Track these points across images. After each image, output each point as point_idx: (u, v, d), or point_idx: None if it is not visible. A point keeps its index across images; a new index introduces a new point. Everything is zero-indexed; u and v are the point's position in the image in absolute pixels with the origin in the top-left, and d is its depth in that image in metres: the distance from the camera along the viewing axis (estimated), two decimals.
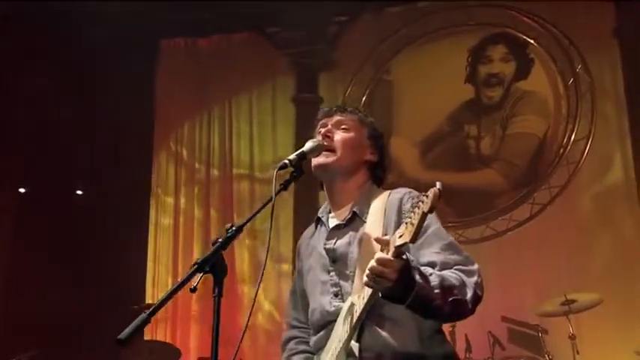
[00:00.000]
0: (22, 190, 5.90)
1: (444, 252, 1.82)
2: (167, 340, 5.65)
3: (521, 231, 5.52)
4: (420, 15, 6.28)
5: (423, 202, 1.59)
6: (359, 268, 1.88)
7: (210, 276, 1.62)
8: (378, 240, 1.70)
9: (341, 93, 6.37)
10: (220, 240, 1.65)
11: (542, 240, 5.36)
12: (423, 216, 1.57)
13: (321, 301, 1.98)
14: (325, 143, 2.03)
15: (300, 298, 2.17)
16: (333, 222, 2.07)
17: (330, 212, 2.11)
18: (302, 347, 2.10)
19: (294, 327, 2.18)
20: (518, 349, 4.75)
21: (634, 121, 5.43)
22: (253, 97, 6.66)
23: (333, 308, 1.92)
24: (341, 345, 1.80)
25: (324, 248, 2.02)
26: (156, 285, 6.32)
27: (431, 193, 1.57)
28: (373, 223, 1.94)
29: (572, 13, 5.67)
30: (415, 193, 1.98)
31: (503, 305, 4.92)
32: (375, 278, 1.64)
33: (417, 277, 1.68)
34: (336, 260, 1.98)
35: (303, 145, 2.00)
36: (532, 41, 5.87)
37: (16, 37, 5.69)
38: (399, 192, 2.00)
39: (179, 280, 1.55)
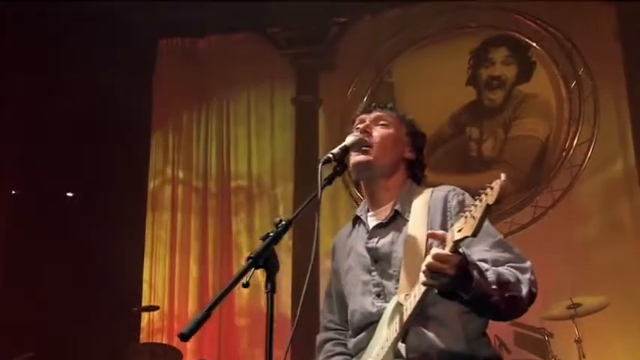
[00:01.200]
0: (16, 191, 5.79)
1: (494, 249, 1.79)
2: (164, 342, 5.57)
3: (523, 234, 5.48)
4: (420, 17, 6.25)
5: (486, 194, 1.54)
6: (404, 268, 1.85)
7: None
8: (433, 235, 1.67)
9: (341, 94, 6.31)
10: (272, 234, 1.61)
11: (544, 243, 5.31)
12: (487, 208, 1.52)
13: (363, 302, 1.93)
14: (366, 139, 1.99)
15: (336, 299, 2.12)
16: (372, 221, 2.03)
17: (368, 211, 2.07)
18: (339, 349, 2.06)
19: (329, 329, 2.13)
20: (524, 353, 4.71)
21: (636, 125, 5.42)
22: (252, 98, 6.61)
23: (375, 309, 1.88)
24: (389, 345, 1.76)
25: (366, 247, 1.98)
26: (153, 287, 6.24)
27: (496, 184, 1.52)
28: (416, 222, 1.91)
29: (574, 16, 5.66)
30: (460, 190, 1.96)
31: None
32: (432, 275, 1.60)
33: (475, 272, 1.64)
34: (378, 260, 1.94)
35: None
36: (534, 44, 5.85)
37: (11, 36, 5.60)
38: (443, 189, 1.99)
39: (235, 275, 1.54)
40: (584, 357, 4.38)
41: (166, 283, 6.24)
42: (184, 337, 1.42)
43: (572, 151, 5.58)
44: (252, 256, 1.55)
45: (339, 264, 2.10)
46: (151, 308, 5.14)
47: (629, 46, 5.54)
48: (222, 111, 6.67)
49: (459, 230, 1.59)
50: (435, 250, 1.61)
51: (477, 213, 1.54)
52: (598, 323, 4.63)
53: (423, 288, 1.69)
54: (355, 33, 6.42)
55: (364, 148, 1.97)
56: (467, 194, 1.95)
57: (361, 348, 1.91)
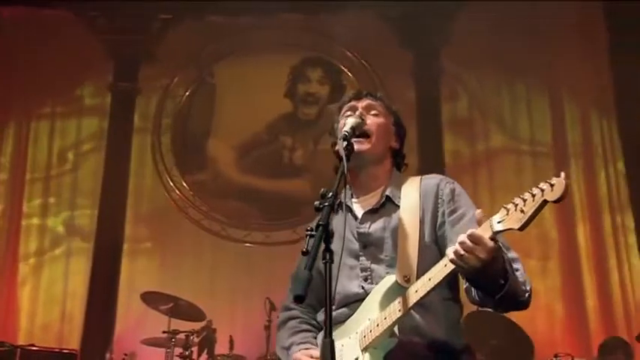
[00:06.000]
0: None
1: None
2: None
3: None
4: (245, 28, 6.55)
5: (542, 189, 1.48)
6: (400, 252, 1.88)
7: None
8: (479, 219, 1.62)
9: (161, 86, 6.36)
10: (326, 204, 1.65)
11: None
12: (543, 204, 1.47)
13: (348, 284, 1.94)
14: (364, 123, 1.99)
15: None
16: (360, 207, 2.04)
17: (352, 197, 2.07)
18: (304, 326, 2.09)
19: (293, 309, 2.13)
20: None
21: (421, 150, 6.27)
22: (62, 80, 6.24)
23: (361, 291, 1.91)
24: (388, 323, 1.76)
25: (358, 233, 1.98)
26: None
27: (559, 182, 1.45)
28: (408, 208, 1.94)
29: (380, 54, 6.42)
30: (450, 179, 2.02)
31: None
32: (463, 255, 1.58)
33: (510, 271, 1.66)
34: (368, 245, 1.96)
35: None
36: (346, 70, 6.52)
37: None
38: (434, 178, 2.03)
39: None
40: None
41: None
42: (302, 298, 1.50)
43: None
44: (321, 223, 1.59)
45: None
46: None
47: (421, 82, 6.47)
48: (26, 91, 6.20)
49: (500, 221, 1.54)
50: (470, 230, 1.58)
51: (529, 207, 1.49)
52: None
53: (444, 272, 1.66)
54: (179, 31, 6.51)
55: (364, 137, 1.99)
56: (457, 183, 2.01)
57: (338, 322, 1.90)
